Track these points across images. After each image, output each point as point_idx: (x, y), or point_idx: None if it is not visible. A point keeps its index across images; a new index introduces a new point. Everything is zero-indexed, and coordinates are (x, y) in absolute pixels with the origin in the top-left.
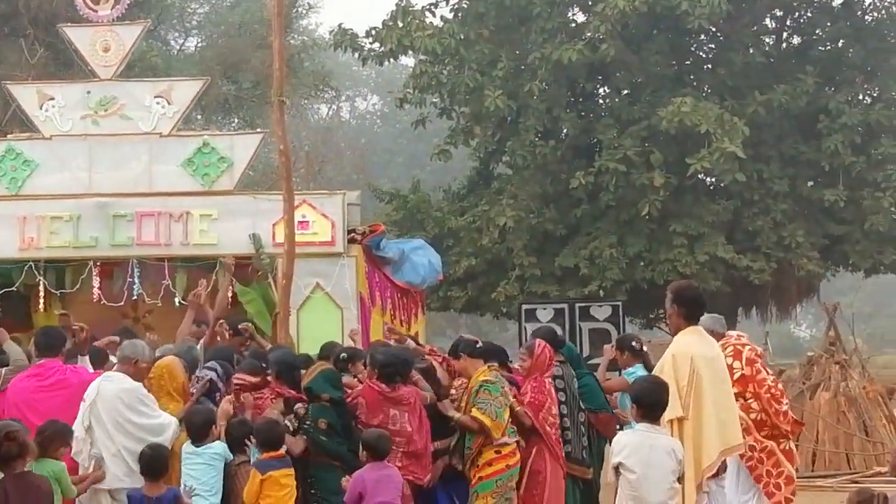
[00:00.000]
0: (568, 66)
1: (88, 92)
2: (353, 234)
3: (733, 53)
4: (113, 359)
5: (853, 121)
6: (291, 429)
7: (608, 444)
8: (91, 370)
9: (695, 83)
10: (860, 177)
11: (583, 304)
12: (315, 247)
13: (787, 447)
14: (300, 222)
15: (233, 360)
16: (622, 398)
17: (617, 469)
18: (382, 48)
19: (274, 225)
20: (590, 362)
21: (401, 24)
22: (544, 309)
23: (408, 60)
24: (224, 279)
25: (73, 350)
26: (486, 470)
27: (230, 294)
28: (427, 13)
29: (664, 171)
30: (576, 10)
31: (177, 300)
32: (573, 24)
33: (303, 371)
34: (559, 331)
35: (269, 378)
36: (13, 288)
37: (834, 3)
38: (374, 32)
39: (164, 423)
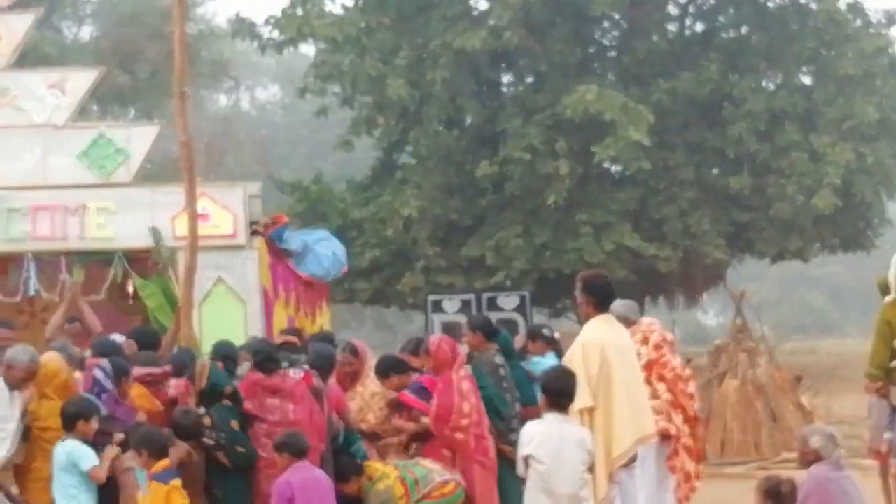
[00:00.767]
0: (471, 53)
1: None
2: (255, 227)
3: (637, 41)
4: None
5: (757, 108)
6: (212, 443)
7: None
8: None
9: (599, 71)
10: (765, 164)
11: (490, 295)
12: (216, 239)
13: (689, 443)
14: (200, 215)
15: (122, 354)
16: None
17: (526, 461)
18: (282, 36)
19: (173, 218)
20: None
21: (300, 13)
22: (451, 300)
23: (308, 49)
24: (66, 298)
25: None
26: None
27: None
28: (327, 1)
29: (569, 159)
30: None
31: None
32: (475, 12)
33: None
34: (463, 322)
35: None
36: None
37: None
38: (273, 20)
39: None
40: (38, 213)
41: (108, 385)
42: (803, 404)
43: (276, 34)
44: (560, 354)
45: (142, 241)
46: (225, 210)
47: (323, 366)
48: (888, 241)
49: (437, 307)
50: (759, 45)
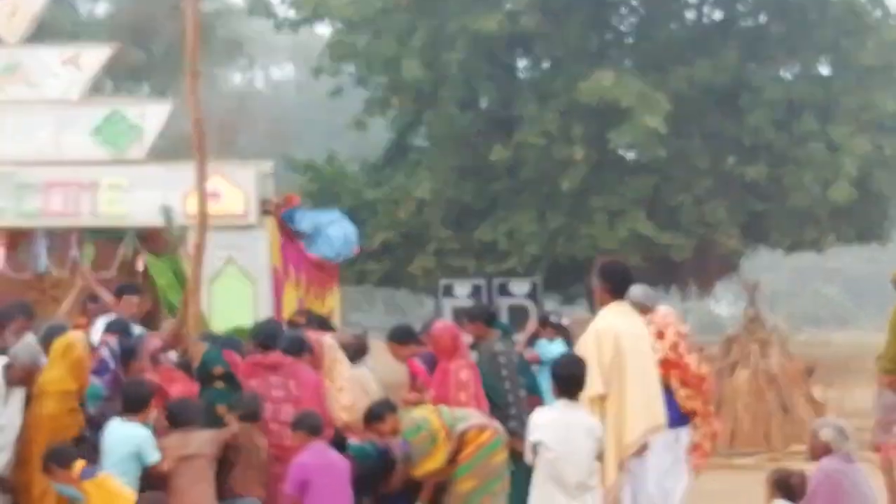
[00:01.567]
0: (487, 36)
1: None
2: (266, 206)
3: (654, 28)
4: None
5: (775, 97)
6: None
7: None
8: None
9: (616, 57)
10: (782, 153)
11: (501, 281)
12: (227, 218)
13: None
14: (212, 194)
15: (129, 331)
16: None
17: (535, 448)
18: (298, 15)
19: (185, 195)
20: None
21: None
22: (462, 285)
23: (324, 29)
24: (77, 286)
25: None
26: (458, 457)
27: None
28: None
29: (584, 145)
30: None
31: None
32: None
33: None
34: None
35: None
36: None
37: None
38: None
39: None
40: (51, 189)
41: (112, 364)
42: (815, 396)
43: (291, 13)
44: (569, 341)
45: (153, 218)
46: (237, 189)
47: (291, 350)
48: None
49: (449, 291)
50: (778, 34)
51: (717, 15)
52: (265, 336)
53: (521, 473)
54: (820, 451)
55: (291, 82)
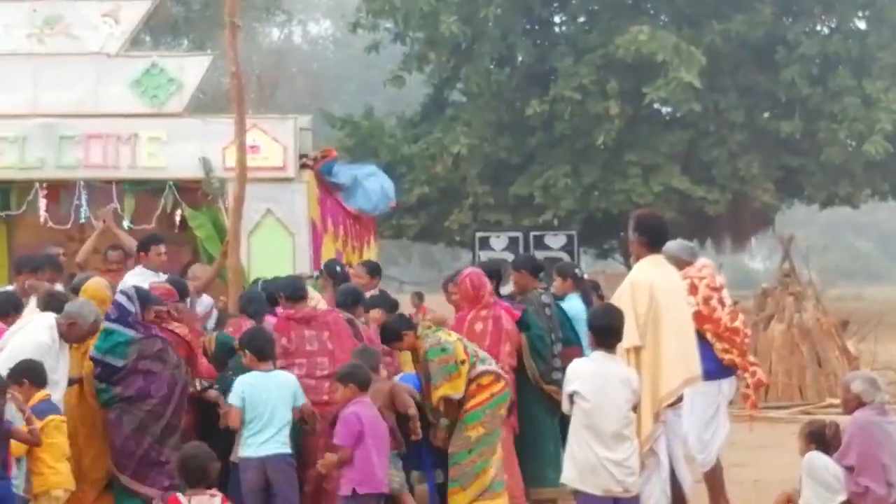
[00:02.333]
0: None
1: (34, 10)
2: (304, 160)
3: None
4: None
5: (811, 52)
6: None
7: None
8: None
9: (652, 12)
10: (817, 108)
11: (537, 233)
12: (266, 171)
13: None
14: (251, 147)
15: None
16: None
17: (571, 398)
18: None
19: (224, 149)
20: None
21: None
22: (498, 237)
23: None
24: (99, 230)
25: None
26: (471, 402)
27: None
28: None
29: (620, 100)
30: None
31: (126, 223)
32: None
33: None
34: (510, 260)
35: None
36: None
37: None
38: None
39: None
40: (91, 141)
41: (132, 307)
42: (849, 350)
43: None
44: (584, 295)
45: (193, 171)
46: (275, 142)
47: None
48: None
49: (485, 244)
50: None
51: None
52: (293, 289)
53: (559, 424)
54: (852, 403)
55: (329, 38)
